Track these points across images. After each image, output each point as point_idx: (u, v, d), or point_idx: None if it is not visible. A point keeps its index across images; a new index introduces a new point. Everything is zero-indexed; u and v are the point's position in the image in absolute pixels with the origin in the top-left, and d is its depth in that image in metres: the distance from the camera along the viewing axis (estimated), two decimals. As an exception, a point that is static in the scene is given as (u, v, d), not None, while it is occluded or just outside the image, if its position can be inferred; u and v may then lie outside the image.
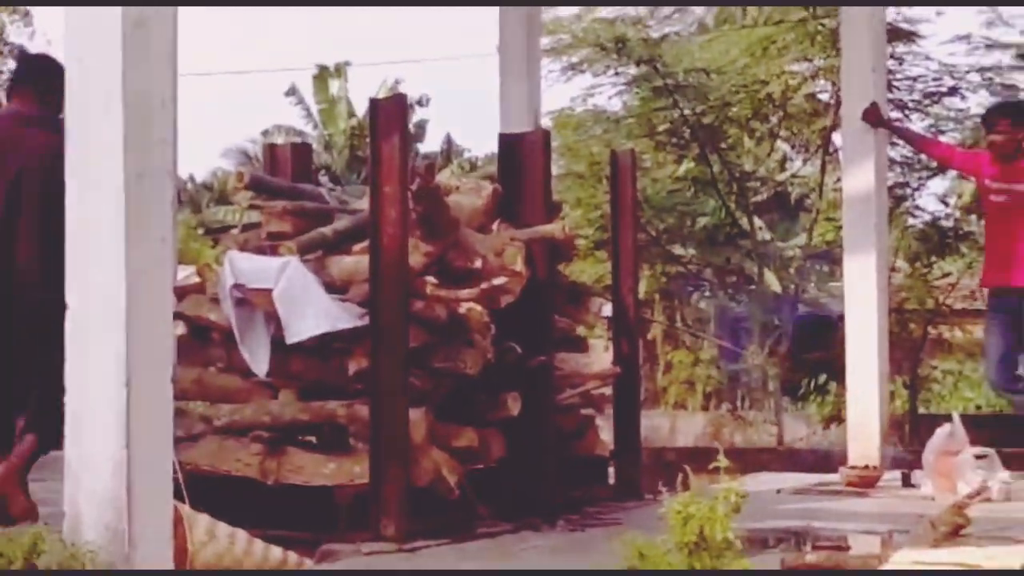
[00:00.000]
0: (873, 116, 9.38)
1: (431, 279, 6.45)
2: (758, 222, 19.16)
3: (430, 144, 38.60)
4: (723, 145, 15.76)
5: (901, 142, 11.97)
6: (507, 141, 7.38)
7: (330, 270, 6.57)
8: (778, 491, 8.36)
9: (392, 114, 6.30)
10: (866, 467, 8.68)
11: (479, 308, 6.51)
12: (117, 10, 4.26)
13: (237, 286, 6.40)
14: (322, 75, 36.50)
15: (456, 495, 6.48)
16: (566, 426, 7.53)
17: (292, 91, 37.09)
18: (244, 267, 6.41)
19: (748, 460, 11.33)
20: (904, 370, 16.20)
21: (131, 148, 4.24)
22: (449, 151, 37.96)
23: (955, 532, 5.06)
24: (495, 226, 7.04)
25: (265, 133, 38.84)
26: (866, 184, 9.36)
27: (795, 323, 16.62)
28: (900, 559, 4.66)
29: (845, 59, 9.80)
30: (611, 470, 8.12)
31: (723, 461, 3.34)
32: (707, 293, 20.99)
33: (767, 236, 21.73)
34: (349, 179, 35.44)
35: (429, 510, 6.38)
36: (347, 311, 6.35)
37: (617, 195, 8.10)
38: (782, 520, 6.98)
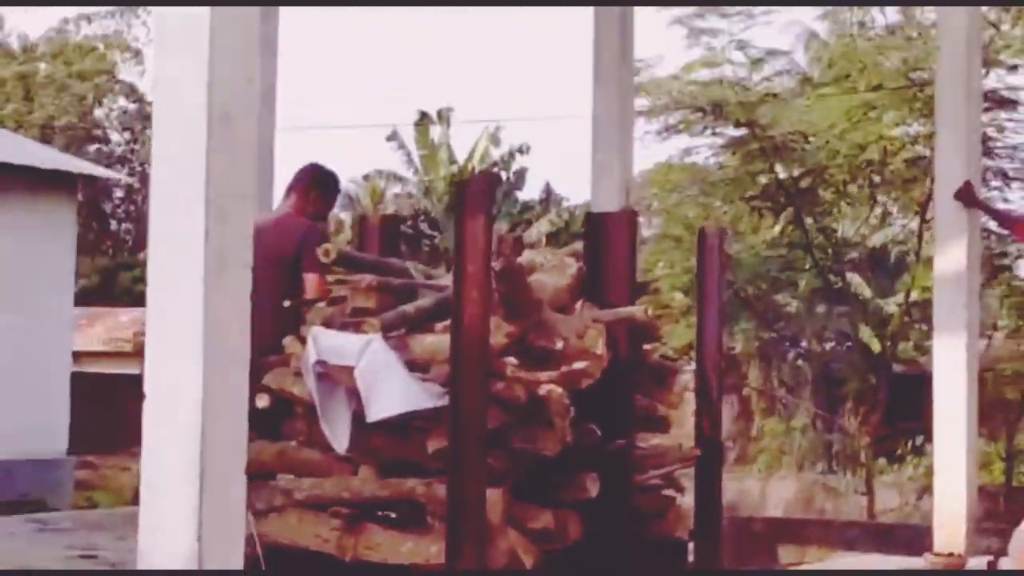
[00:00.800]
0: (966, 195, 9.30)
1: (511, 360, 6.45)
2: (856, 280, 19.04)
3: (529, 192, 38.76)
4: (818, 208, 15.71)
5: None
6: (593, 219, 7.41)
7: (412, 348, 6.60)
8: (861, 577, 8.28)
9: (479, 193, 6.33)
10: (951, 554, 8.55)
11: (559, 390, 6.49)
12: (203, 106, 4.32)
13: (320, 362, 6.45)
14: (424, 122, 36.78)
15: (532, 576, 6.47)
16: (646, 507, 7.50)
17: (394, 136, 37.41)
18: (327, 344, 6.46)
19: (835, 536, 11.25)
20: (1000, 439, 16.02)
21: (211, 244, 4.29)
22: (548, 200, 38.05)
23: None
24: (578, 305, 7.05)
25: (366, 177, 39.24)
26: (957, 263, 9.27)
27: (890, 382, 16.48)
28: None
29: (939, 138, 9.72)
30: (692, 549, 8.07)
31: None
32: (803, 352, 20.86)
33: (867, 293, 21.60)
34: (447, 225, 35.63)
35: (508, 592, 6.39)
36: (428, 390, 6.37)
37: (703, 272, 8.06)
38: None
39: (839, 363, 19.12)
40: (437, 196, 37.10)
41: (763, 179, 15.21)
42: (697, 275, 8.22)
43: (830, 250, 15.86)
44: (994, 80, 14.18)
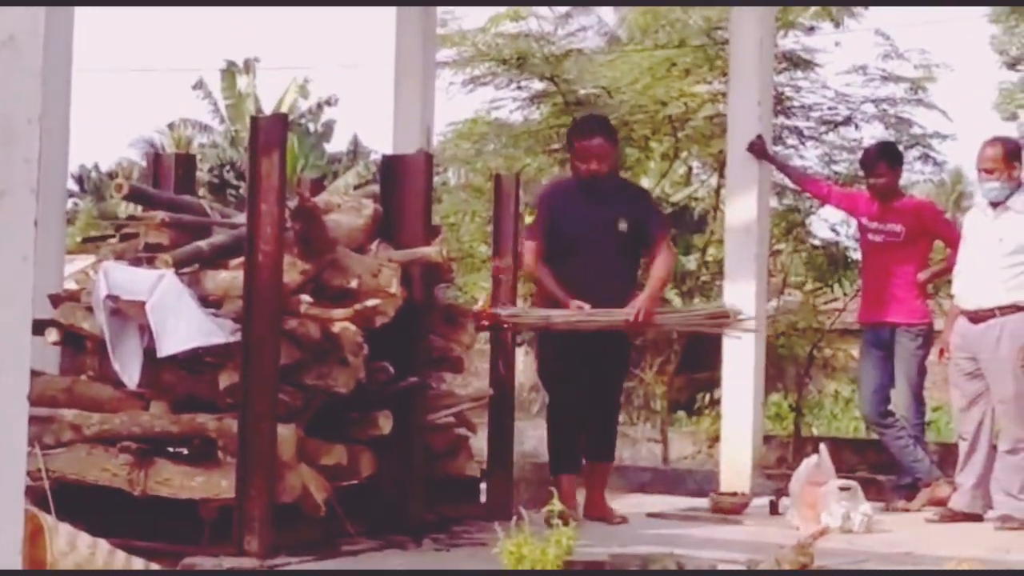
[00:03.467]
0: (757, 149, 9.54)
1: (306, 297, 6.50)
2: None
3: (337, 144, 38.61)
4: (622, 164, 15.87)
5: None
6: (389, 162, 7.46)
7: (205, 284, 6.61)
8: (648, 515, 8.49)
9: (271, 132, 6.35)
10: (735, 493, 8.82)
11: (353, 328, 6.56)
12: (-14, 28, 4.26)
13: (111, 296, 6.41)
14: (230, 71, 36.35)
15: (324, 512, 6.53)
16: (438, 446, 7.61)
17: (200, 85, 36.92)
18: (118, 278, 6.43)
19: (630, 479, 11.49)
20: (791, 392, 16.44)
21: (-6, 166, 4.24)
22: (356, 152, 37.93)
23: (800, 569, 5.18)
24: (374, 246, 7.10)
25: (171, 125, 38.66)
26: (748, 214, 9.51)
27: (686, 336, 16.77)
28: (743, 596, 4.78)
29: (732, 91, 9.95)
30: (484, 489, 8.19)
31: (556, 505, 3.42)
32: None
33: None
34: (255, 176, 35.23)
35: (296, 526, 6.44)
36: (220, 326, 6.38)
37: (499, 218, 8.17)
38: (646, 546, 7.10)
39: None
40: (243, 146, 36.68)
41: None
42: (493, 219, 8.32)
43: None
44: (791, 41, 14.47)
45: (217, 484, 6.36)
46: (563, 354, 8.15)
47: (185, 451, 6.67)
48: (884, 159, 9.36)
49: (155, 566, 5.93)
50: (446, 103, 18.03)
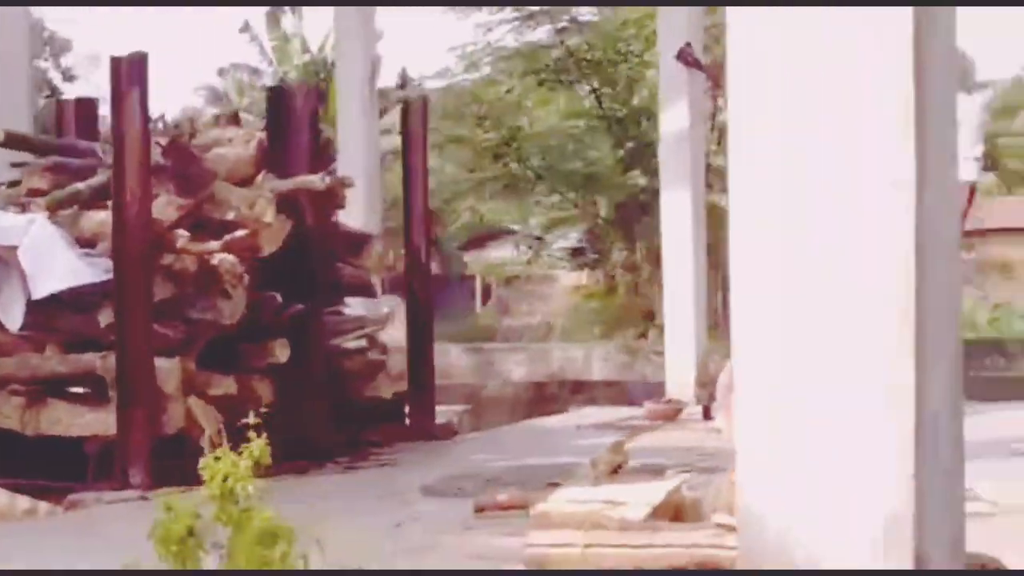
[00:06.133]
0: (686, 57, 9.48)
1: (183, 232, 6.58)
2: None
3: (385, 80, 38.47)
4: (612, 81, 15.83)
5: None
6: (275, 93, 7.50)
7: (82, 225, 6.71)
8: (578, 427, 8.54)
9: (130, 71, 6.41)
10: (668, 401, 8.85)
11: (231, 259, 6.63)
12: None
13: (-13, 244, 6.53)
14: (275, 12, 36.30)
15: (219, 443, 6.61)
16: (353, 369, 7.68)
17: (246, 28, 36.87)
18: (-5, 225, 6.55)
19: (595, 392, 11.54)
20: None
21: None
22: (404, 86, 37.79)
23: (614, 470, 5.21)
24: (260, 177, 7.15)
25: (222, 71, 38.70)
26: (680, 123, 9.47)
27: None
28: (555, 498, 4.81)
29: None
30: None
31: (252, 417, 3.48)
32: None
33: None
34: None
35: (184, 458, 6.52)
36: (94, 266, 6.49)
37: (407, 147, 8.18)
38: (564, 456, 7.12)
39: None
40: (293, 87, 36.70)
41: (556, 54, 15.29)
42: (402, 148, 8.32)
43: (617, 124, 15.92)
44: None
45: (105, 420, 6.48)
46: None
47: (81, 391, 6.80)
48: None
49: (43, 503, 6.09)
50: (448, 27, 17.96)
